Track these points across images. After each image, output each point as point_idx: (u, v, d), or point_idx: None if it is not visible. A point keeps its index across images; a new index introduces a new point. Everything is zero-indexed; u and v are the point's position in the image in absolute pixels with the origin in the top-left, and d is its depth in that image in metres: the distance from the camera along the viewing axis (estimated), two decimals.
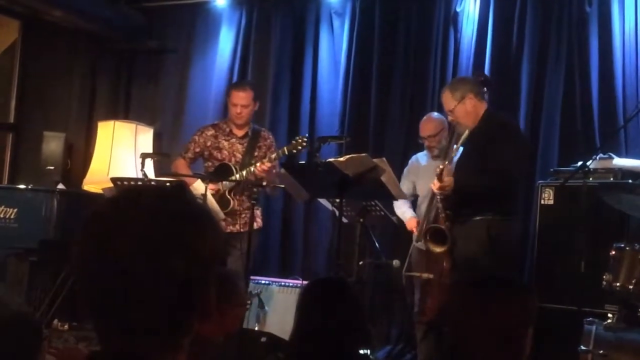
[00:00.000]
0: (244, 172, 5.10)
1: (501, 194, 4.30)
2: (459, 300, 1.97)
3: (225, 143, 5.34)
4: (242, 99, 5.26)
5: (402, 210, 5.08)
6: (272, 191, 5.40)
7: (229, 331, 2.58)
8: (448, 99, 4.49)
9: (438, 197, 4.35)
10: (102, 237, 1.10)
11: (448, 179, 4.25)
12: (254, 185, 4.99)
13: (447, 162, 4.40)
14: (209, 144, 5.36)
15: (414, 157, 5.25)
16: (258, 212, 5.31)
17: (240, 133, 5.36)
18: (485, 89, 4.61)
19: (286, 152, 5.01)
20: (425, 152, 5.14)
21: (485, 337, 1.85)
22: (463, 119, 4.44)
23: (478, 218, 4.32)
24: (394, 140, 6.08)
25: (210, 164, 5.35)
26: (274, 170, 5.14)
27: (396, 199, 4.73)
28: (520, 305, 1.90)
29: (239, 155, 5.29)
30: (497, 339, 1.85)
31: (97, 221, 1.13)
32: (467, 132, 4.37)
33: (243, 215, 5.20)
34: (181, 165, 5.39)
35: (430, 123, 5.06)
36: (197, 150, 5.39)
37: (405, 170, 5.23)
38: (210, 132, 5.40)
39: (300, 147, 4.96)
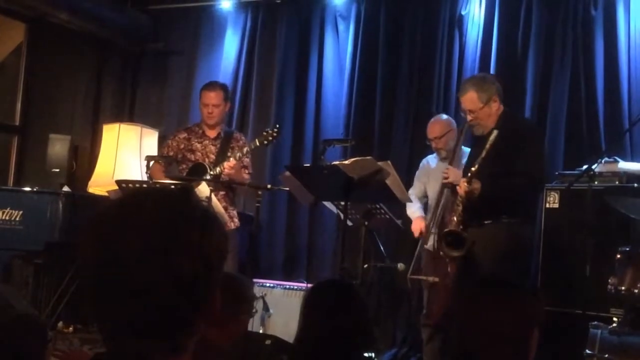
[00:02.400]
0: (217, 169, 5.11)
1: (525, 197, 4.25)
2: (464, 302, 1.98)
3: (199, 145, 5.35)
4: (212, 98, 5.30)
5: (412, 210, 5.07)
6: (243, 191, 5.43)
7: (234, 337, 2.56)
8: (474, 100, 4.30)
9: (459, 199, 4.21)
10: (107, 239, 1.10)
11: (476, 184, 4.10)
12: (258, 188, 4.99)
13: (453, 165, 4.33)
14: (182, 146, 5.37)
15: (424, 160, 5.23)
16: (234, 213, 5.32)
17: (212, 134, 5.37)
18: None
19: (257, 144, 5.01)
20: (434, 154, 5.13)
21: (490, 338, 1.86)
22: (485, 120, 4.31)
23: (496, 222, 4.21)
24: (399, 143, 6.07)
25: (184, 166, 5.34)
26: (245, 173, 5.22)
27: (401, 202, 4.72)
28: (523, 307, 1.90)
29: (212, 156, 5.29)
30: (502, 340, 1.85)
31: (102, 223, 1.13)
32: (495, 135, 4.14)
33: None
34: (156, 170, 5.34)
35: (437, 125, 5.03)
36: (171, 154, 5.40)
37: (417, 172, 5.22)
38: (183, 135, 5.42)
39: (271, 138, 4.96)
